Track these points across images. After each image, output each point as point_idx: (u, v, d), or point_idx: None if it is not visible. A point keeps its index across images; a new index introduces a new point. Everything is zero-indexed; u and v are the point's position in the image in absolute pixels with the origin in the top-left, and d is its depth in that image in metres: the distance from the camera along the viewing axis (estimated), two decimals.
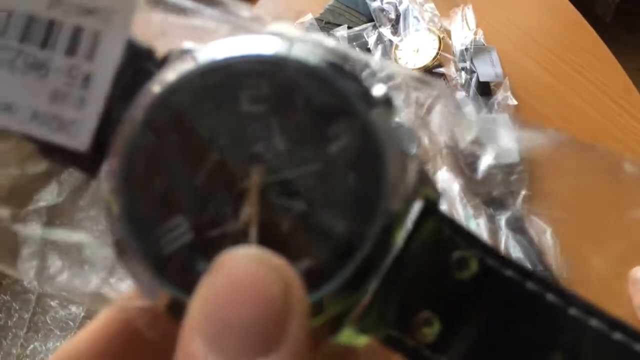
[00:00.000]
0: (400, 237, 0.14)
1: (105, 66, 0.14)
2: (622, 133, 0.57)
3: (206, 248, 0.13)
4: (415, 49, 0.62)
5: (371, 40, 0.64)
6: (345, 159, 0.13)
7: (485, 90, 0.59)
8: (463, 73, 0.59)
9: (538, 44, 0.64)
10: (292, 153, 0.13)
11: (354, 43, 0.64)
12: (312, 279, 0.12)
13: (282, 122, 0.13)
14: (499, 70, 0.60)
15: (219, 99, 0.13)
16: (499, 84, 0.59)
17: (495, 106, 0.57)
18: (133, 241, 0.13)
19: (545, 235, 0.47)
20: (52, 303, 0.49)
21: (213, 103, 0.13)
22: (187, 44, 0.14)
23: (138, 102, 0.14)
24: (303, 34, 0.15)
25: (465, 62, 0.60)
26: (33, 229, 0.49)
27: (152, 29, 0.15)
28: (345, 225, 0.13)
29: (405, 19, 0.64)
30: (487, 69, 0.60)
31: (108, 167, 0.14)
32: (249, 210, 0.13)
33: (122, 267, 0.14)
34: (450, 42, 0.62)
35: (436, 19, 0.64)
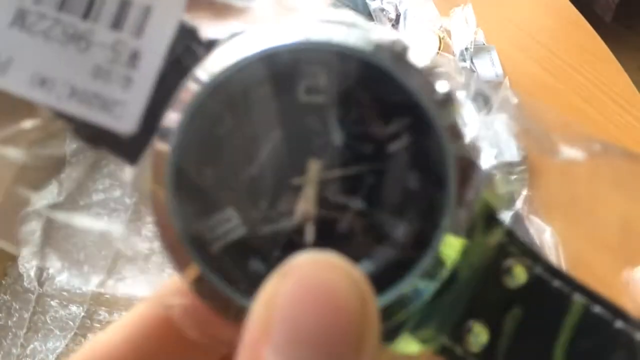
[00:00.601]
0: (461, 243, 0.13)
1: (156, 44, 0.13)
2: (622, 133, 0.57)
3: (259, 245, 0.12)
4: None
5: None
6: (406, 158, 0.13)
7: None
8: (463, 72, 0.59)
9: (538, 43, 0.64)
10: (349, 149, 0.13)
11: None
12: (374, 285, 0.11)
13: (340, 116, 0.13)
14: (499, 70, 0.60)
15: (275, 87, 0.13)
16: (499, 84, 0.59)
17: (495, 106, 0.57)
18: (181, 232, 0.12)
19: (545, 234, 0.47)
20: (52, 303, 0.49)
21: (268, 91, 0.13)
22: (238, 26, 0.13)
23: (188, 85, 0.13)
24: (363, 22, 0.14)
25: (465, 61, 0.60)
26: (33, 229, 0.49)
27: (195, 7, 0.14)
28: (406, 229, 0.13)
29: (405, 19, 0.64)
30: (487, 69, 0.60)
31: (155, 154, 0.13)
32: (305, 207, 0.12)
33: (167, 259, 0.13)
34: (450, 42, 0.62)
35: (436, 19, 0.64)
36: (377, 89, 0.13)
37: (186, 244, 0.12)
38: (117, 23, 0.13)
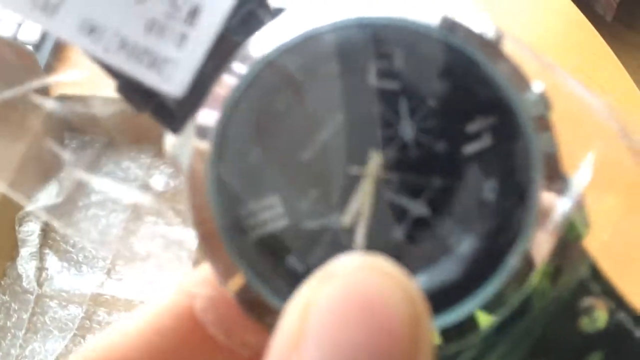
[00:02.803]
0: (538, 271, 0.11)
1: (219, 1, 0.12)
2: None
3: (301, 241, 0.11)
4: None
5: None
6: (484, 163, 0.11)
7: None
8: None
9: (538, 42, 0.64)
10: (419, 145, 0.11)
11: None
12: (432, 304, 0.10)
13: (414, 106, 0.11)
14: None
15: (344, 66, 0.11)
16: None
17: None
18: (218, 213, 0.11)
19: None
20: (51, 303, 0.50)
21: (335, 70, 0.11)
22: None
23: (247, 52, 0.12)
24: (451, 1, 0.12)
25: None
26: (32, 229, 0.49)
27: None
28: (474, 245, 0.11)
29: None
30: None
31: (199, 123, 0.12)
32: (360, 204, 0.11)
33: (199, 240, 0.12)
34: None
35: None
36: (461, 80, 0.11)
37: (221, 227, 0.11)
38: None
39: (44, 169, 0.56)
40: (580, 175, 0.13)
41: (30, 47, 0.57)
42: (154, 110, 0.12)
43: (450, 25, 0.11)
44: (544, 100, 0.12)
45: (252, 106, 0.11)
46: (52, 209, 0.54)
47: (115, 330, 0.16)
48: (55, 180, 0.55)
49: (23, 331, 0.49)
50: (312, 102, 0.11)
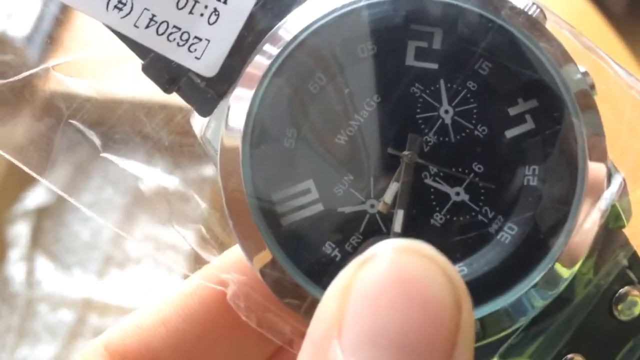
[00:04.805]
0: (582, 259, 0.12)
1: None
2: None
3: (337, 227, 0.11)
4: None
5: None
6: (527, 148, 0.11)
7: None
8: None
9: None
10: (460, 128, 0.11)
11: None
12: (472, 292, 0.10)
13: (454, 88, 0.11)
14: None
15: (380, 46, 0.11)
16: None
17: None
18: (251, 196, 0.11)
19: None
20: (41, 307, 0.50)
21: (371, 50, 0.11)
22: None
23: (279, 32, 0.11)
24: None
25: None
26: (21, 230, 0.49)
27: None
28: (517, 233, 0.11)
29: None
30: None
31: (233, 104, 0.11)
32: (399, 189, 0.11)
33: (231, 227, 0.12)
34: None
35: None
36: (505, 61, 0.11)
37: (255, 212, 0.11)
38: None
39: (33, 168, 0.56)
40: (624, 162, 0.12)
41: (19, 42, 0.57)
42: (182, 90, 0.12)
43: (492, 2, 0.11)
44: (587, 82, 0.12)
45: (286, 87, 0.11)
46: (41, 210, 0.54)
47: (139, 316, 0.16)
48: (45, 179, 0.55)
49: (13, 335, 0.48)
50: (347, 84, 0.11)
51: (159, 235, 0.42)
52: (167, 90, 0.12)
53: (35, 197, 0.55)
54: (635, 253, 0.13)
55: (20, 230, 0.53)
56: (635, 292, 0.13)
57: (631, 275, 0.12)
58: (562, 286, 0.11)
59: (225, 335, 0.15)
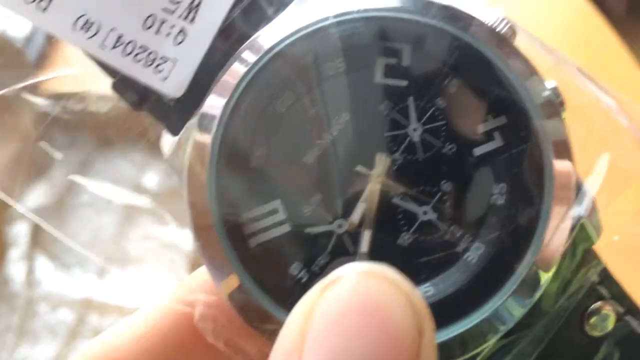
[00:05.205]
0: (548, 277, 0.12)
1: None
2: None
3: (304, 247, 0.11)
4: None
5: None
6: (495, 166, 0.11)
7: None
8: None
9: (545, 36, 0.63)
10: (428, 146, 0.11)
11: None
12: (437, 314, 0.10)
13: (423, 106, 0.11)
14: None
15: (348, 63, 0.11)
16: None
17: None
18: (216, 216, 0.11)
19: None
20: (41, 307, 0.50)
21: (340, 67, 0.11)
22: None
23: (246, 51, 0.11)
24: None
25: None
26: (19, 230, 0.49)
27: None
28: (485, 252, 0.11)
29: None
30: None
31: (204, 112, 0.11)
32: (366, 209, 0.11)
33: (195, 239, 0.12)
34: None
35: None
36: (473, 79, 0.11)
37: (221, 233, 0.11)
38: None
39: (34, 169, 0.56)
40: (593, 178, 0.12)
41: (19, 42, 0.57)
42: (151, 109, 0.12)
43: (460, 19, 0.11)
44: (556, 97, 0.12)
45: (253, 106, 0.11)
46: (41, 210, 0.54)
47: (114, 333, 0.16)
48: (45, 179, 0.55)
49: (13, 335, 0.49)
50: (315, 102, 0.11)
51: (159, 236, 0.43)
52: (136, 108, 0.13)
53: (35, 197, 0.55)
54: (605, 269, 0.13)
55: (20, 230, 0.54)
56: (608, 307, 0.13)
57: (602, 290, 0.13)
58: (528, 306, 0.11)
59: (197, 355, 0.15)
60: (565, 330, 0.12)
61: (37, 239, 0.54)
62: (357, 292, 0.09)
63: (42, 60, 0.58)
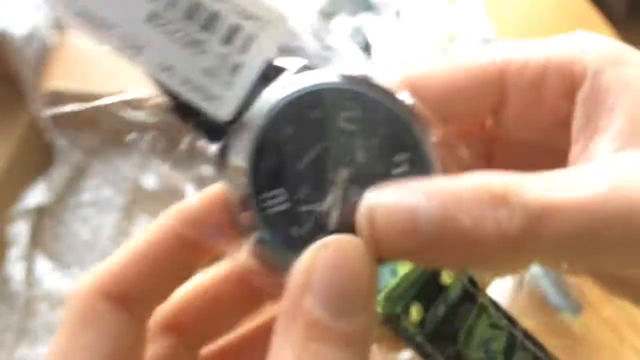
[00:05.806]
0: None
1: (254, 62, 0.18)
2: None
3: (298, 218, 0.18)
4: None
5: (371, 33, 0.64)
6: (403, 180, 0.17)
7: None
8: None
9: (545, 36, 0.64)
10: (368, 167, 0.18)
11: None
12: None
13: (364, 142, 0.18)
14: None
15: (324, 113, 0.19)
16: None
17: None
18: (252, 194, 0.18)
19: None
20: (41, 306, 0.50)
21: (320, 115, 0.18)
22: (302, 61, 0.19)
23: (268, 98, 0.18)
24: (376, 70, 0.17)
25: None
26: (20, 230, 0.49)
27: None
28: None
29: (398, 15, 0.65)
30: None
31: (238, 140, 0.18)
32: (334, 198, 0.18)
33: (241, 215, 0.18)
34: (457, 34, 0.63)
35: (442, 10, 0.65)
36: (389, 128, 0.19)
37: (253, 203, 0.18)
38: (227, 40, 0.18)
39: (34, 167, 0.56)
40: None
41: (20, 41, 0.58)
42: (201, 127, 0.18)
43: (377, 89, 0.19)
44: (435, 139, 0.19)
45: (270, 132, 0.18)
46: (41, 209, 0.54)
47: (119, 256, 0.22)
48: (45, 178, 0.55)
49: (13, 335, 0.49)
50: (305, 134, 0.18)
51: None
52: (186, 122, 0.18)
53: (35, 196, 0.55)
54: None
55: (20, 229, 0.54)
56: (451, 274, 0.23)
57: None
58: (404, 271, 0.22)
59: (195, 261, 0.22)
60: (427, 281, 0.22)
61: (37, 238, 0.54)
62: (336, 251, 0.16)
63: (43, 58, 0.58)
